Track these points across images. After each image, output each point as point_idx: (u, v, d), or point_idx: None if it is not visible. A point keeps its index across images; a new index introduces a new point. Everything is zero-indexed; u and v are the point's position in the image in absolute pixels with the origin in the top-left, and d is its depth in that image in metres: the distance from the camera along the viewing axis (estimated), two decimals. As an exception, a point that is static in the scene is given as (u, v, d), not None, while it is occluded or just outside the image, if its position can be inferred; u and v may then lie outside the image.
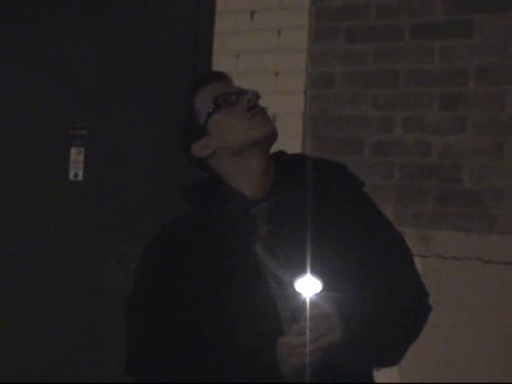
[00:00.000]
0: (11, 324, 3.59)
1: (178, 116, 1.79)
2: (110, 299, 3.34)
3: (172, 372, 1.66)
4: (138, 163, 3.37)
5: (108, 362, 3.31)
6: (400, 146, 2.76)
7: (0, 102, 3.67)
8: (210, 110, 1.70)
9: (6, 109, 3.67)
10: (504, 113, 2.59)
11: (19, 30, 3.61)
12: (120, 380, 2.94)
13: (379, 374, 1.76)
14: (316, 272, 1.57)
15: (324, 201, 1.70)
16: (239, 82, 1.86)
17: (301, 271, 1.60)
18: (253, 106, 1.69)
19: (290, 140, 2.80)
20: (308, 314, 1.51)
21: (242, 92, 1.73)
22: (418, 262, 2.62)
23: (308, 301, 1.52)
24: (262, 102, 1.76)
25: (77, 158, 3.51)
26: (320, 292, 1.53)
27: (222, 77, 1.80)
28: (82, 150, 3.50)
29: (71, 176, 3.51)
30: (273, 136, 1.71)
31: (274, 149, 1.78)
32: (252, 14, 3.08)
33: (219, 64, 3.08)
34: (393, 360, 1.71)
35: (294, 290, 1.58)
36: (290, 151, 1.84)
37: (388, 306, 1.63)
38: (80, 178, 3.50)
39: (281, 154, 1.79)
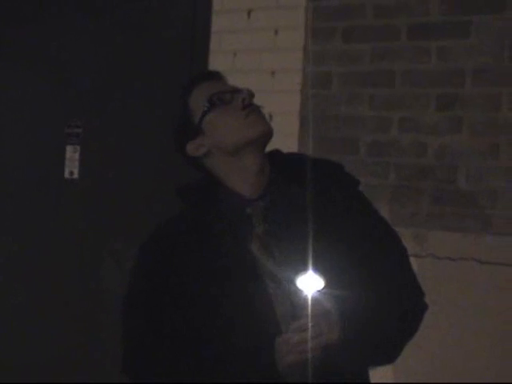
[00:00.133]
0: (6, 322, 3.59)
1: (173, 116, 1.79)
2: (106, 298, 3.34)
3: (169, 372, 1.65)
4: (133, 162, 3.37)
5: (104, 361, 3.31)
6: (396, 146, 2.76)
7: (-4, 99, 3.67)
8: (205, 109, 1.70)
9: (2, 107, 3.66)
10: (500, 113, 2.59)
11: (17, 29, 3.61)
12: (116, 379, 2.95)
13: (374, 374, 1.76)
14: (313, 271, 1.57)
15: (320, 200, 1.69)
16: (236, 81, 1.86)
17: (297, 270, 1.60)
18: (248, 104, 1.69)
19: (286, 139, 2.79)
20: (309, 311, 1.51)
21: (236, 91, 1.73)
22: (412, 262, 2.63)
23: (309, 298, 1.52)
24: (258, 101, 1.75)
25: (72, 156, 3.51)
26: (321, 290, 1.53)
27: (216, 76, 1.79)
28: (78, 148, 3.50)
29: (67, 174, 3.51)
30: (268, 134, 1.71)
31: (269, 148, 1.78)
32: (249, 13, 3.08)
33: (216, 63, 3.08)
34: (388, 358, 1.72)
35: (294, 288, 1.58)
36: (285, 150, 1.83)
37: (385, 304, 1.63)
38: (75, 176, 3.50)
39: (276, 152, 1.79)
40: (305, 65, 2.95)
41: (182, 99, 1.75)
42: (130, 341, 1.72)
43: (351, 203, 1.73)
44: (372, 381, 1.77)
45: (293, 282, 1.60)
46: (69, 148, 3.51)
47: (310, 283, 1.53)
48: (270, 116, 2.56)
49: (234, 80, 1.85)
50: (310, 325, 1.51)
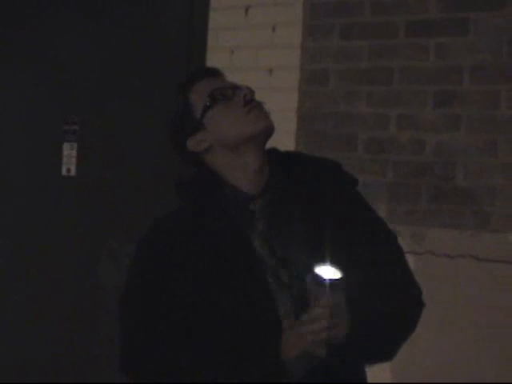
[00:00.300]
0: (4, 319, 3.58)
1: (171, 112, 1.78)
2: (104, 295, 3.33)
3: (169, 370, 1.64)
4: (131, 159, 3.37)
5: (102, 359, 3.31)
6: (394, 144, 2.76)
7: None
8: (208, 104, 1.69)
9: (0, 105, 3.65)
10: (498, 111, 2.59)
11: (14, 28, 3.60)
12: (114, 378, 2.94)
13: (371, 371, 1.76)
14: (312, 267, 1.57)
15: (319, 199, 1.69)
16: (233, 78, 1.85)
17: (298, 267, 1.60)
18: (249, 100, 1.69)
19: (284, 136, 2.79)
20: (323, 301, 1.50)
21: (236, 87, 1.73)
22: (410, 260, 2.63)
23: (324, 288, 1.50)
24: (256, 98, 1.75)
25: (70, 153, 3.50)
26: (334, 280, 1.51)
27: (215, 72, 1.79)
28: (75, 145, 3.49)
29: (64, 171, 3.51)
30: (270, 130, 1.71)
31: (267, 145, 1.77)
32: (246, 10, 3.07)
33: (213, 60, 3.07)
34: (386, 357, 1.72)
35: (297, 285, 1.58)
36: (283, 148, 1.83)
37: (383, 302, 1.63)
38: (73, 173, 3.49)
39: (273, 151, 1.78)
40: (302, 62, 2.95)
41: (181, 95, 1.74)
42: (129, 338, 1.70)
43: (349, 202, 1.73)
44: (370, 379, 1.77)
45: (295, 280, 1.59)
46: (66, 145, 3.51)
47: (326, 273, 1.51)
48: (268, 113, 2.55)
49: (231, 77, 1.85)
50: (324, 313, 1.50)
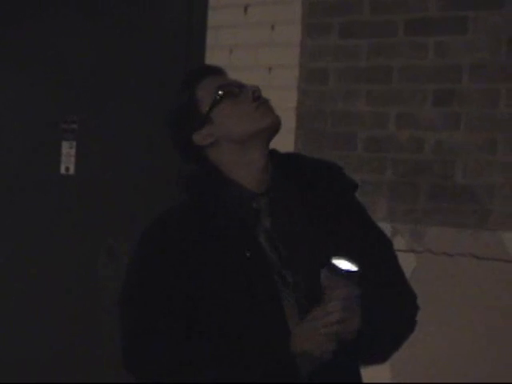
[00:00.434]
0: (2, 317, 3.58)
1: (173, 108, 1.78)
2: (102, 294, 3.33)
3: (173, 367, 1.63)
4: (129, 157, 3.36)
5: (100, 358, 3.31)
6: (393, 142, 2.76)
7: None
8: (218, 98, 1.70)
9: (-1, 103, 3.66)
10: (497, 109, 2.59)
11: (13, 26, 3.60)
12: (114, 376, 2.94)
13: (371, 371, 1.76)
14: (315, 267, 1.57)
15: (319, 201, 1.71)
16: (232, 76, 1.85)
17: (301, 268, 1.62)
18: (258, 96, 1.71)
19: (283, 135, 2.72)
20: (338, 293, 1.51)
21: (242, 85, 1.75)
22: (410, 258, 2.64)
23: (340, 280, 1.51)
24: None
25: (68, 151, 3.50)
26: (351, 273, 1.51)
27: (220, 71, 1.81)
28: (74, 143, 3.49)
29: (63, 170, 3.51)
30: (278, 126, 1.72)
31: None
32: (245, 8, 3.07)
33: (212, 58, 3.07)
34: (381, 358, 1.73)
35: (299, 283, 1.58)
36: (282, 146, 1.83)
37: (379, 305, 1.63)
38: (71, 171, 3.49)
39: (274, 152, 1.79)
40: (301, 60, 2.95)
41: (186, 90, 1.75)
42: (131, 336, 1.68)
43: (347, 206, 1.75)
44: (369, 378, 1.78)
45: (298, 278, 1.60)
46: (65, 144, 3.51)
47: (342, 265, 1.51)
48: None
49: (230, 76, 1.85)
50: (338, 306, 1.51)
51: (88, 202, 3.43)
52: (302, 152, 2.87)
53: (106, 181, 3.41)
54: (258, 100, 1.70)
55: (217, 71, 1.80)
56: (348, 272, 1.51)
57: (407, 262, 2.59)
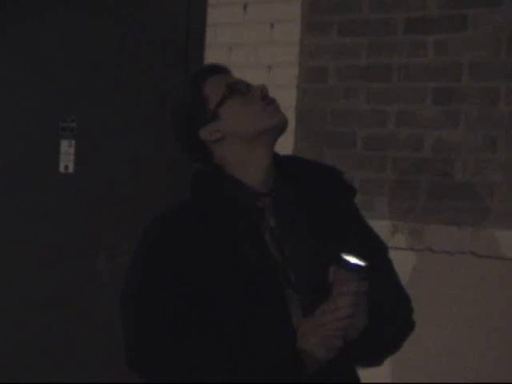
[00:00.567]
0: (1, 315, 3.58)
1: (178, 103, 1.79)
2: (101, 292, 3.33)
3: (178, 364, 1.62)
4: (129, 156, 3.36)
5: (98, 357, 3.31)
6: (393, 140, 2.76)
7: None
8: (226, 95, 1.71)
9: (-3, 101, 3.66)
10: (497, 107, 2.59)
11: (11, 24, 3.60)
12: (113, 374, 2.94)
13: (371, 370, 1.76)
14: (318, 268, 1.57)
15: (320, 204, 1.72)
16: (231, 75, 1.86)
17: (304, 265, 1.62)
18: (266, 95, 1.72)
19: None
20: (348, 288, 1.51)
21: (249, 84, 1.76)
22: (409, 256, 2.64)
23: (350, 274, 1.51)
24: None
25: (67, 150, 3.50)
26: (360, 267, 1.52)
27: (227, 70, 1.82)
28: (73, 142, 3.49)
29: (62, 168, 3.51)
30: (285, 125, 1.74)
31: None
32: (245, 6, 3.07)
33: (211, 57, 3.07)
34: (377, 361, 1.74)
35: (302, 282, 1.58)
36: (281, 145, 1.84)
37: (375, 310, 1.63)
38: (70, 170, 3.49)
39: (276, 154, 1.79)
40: (301, 59, 2.95)
41: (193, 87, 1.75)
42: (134, 333, 1.67)
43: (347, 211, 1.76)
44: (368, 378, 1.78)
45: (300, 278, 1.60)
46: (64, 142, 3.51)
47: (351, 260, 1.52)
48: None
49: (230, 74, 1.85)
50: (348, 300, 1.51)
51: (87, 201, 3.43)
52: (301, 150, 2.87)
53: (105, 179, 3.41)
54: (266, 99, 1.71)
55: (224, 70, 1.81)
56: (357, 266, 1.51)
57: (407, 260, 2.59)
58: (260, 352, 1.57)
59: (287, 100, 2.92)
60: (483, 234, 2.56)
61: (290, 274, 1.65)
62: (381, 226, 1.88)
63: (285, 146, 1.83)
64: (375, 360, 1.74)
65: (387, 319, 1.66)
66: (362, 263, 1.52)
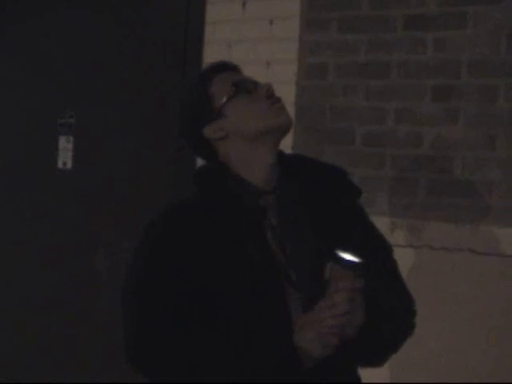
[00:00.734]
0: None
1: (185, 100, 1.79)
2: (99, 289, 3.33)
3: (177, 360, 1.62)
4: (127, 152, 3.36)
5: (97, 356, 3.31)
6: (392, 137, 2.76)
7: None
8: (232, 93, 1.71)
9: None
10: (496, 105, 2.59)
11: (10, 20, 3.59)
12: (112, 372, 2.94)
13: (370, 370, 1.76)
14: (319, 267, 1.57)
15: (324, 204, 1.71)
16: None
17: (305, 264, 1.63)
18: (272, 94, 1.72)
19: (282, 130, 2.78)
20: (343, 285, 1.51)
21: (257, 82, 1.76)
22: (408, 253, 2.64)
23: (345, 271, 1.51)
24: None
25: (66, 146, 3.50)
26: (355, 263, 1.51)
27: (235, 67, 1.83)
28: (71, 138, 3.49)
29: (60, 164, 3.50)
30: (289, 125, 1.74)
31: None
32: (244, 3, 3.07)
33: (211, 53, 3.07)
34: (376, 362, 1.74)
35: (303, 281, 1.58)
36: (280, 142, 1.84)
37: (377, 310, 1.62)
38: (69, 166, 3.49)
39: (282, 153, 1.79)
40: (300, 55, 2.95)
41: (200, 84, 1.76)
42: (135, 328, 1.67)
43: (351, 211, 1.76)
44: (368, 377, 1.78)
45: (302, 277, 1.60)
46: (62, 138, 3.50)
47: (347, 256, 1.52)
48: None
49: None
50: (343, 297, 1.50)
51: (85, 197, 3.43)
52: (300, 146, 2.88)
53: (103, 176, 3.41)
54: (272, 98, 1.71)
55: (233, 68, 1.81)
56: (353, 263, 1.51)
57: (406, 257, 2.59)
58: (256, 349, 1.57)
59: (286, 96, 2.87)
60: (482, 231, 2.57)
61: (291, 273, 1.64)
62: (380, 223, 1.88)
63: (284, 142, 1.82)
64: (376, 360, 1.73)
65: (387, 319, 1.66)
66: (357, 260, 1.52)
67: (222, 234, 1.65)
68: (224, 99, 1.72)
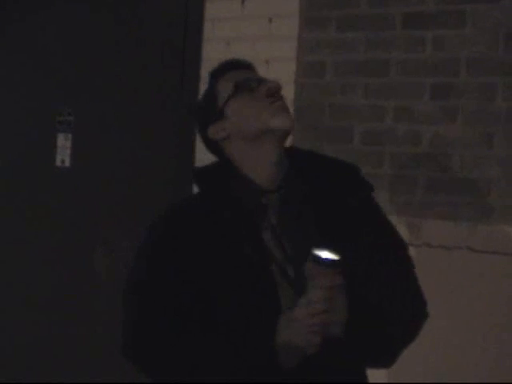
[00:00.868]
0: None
1: (197, 100, 1.80)
2: (98, 287, 3.33)
3: (175, 357, 1.63)
4: (125, 150, 3.36)
5: (96, 355, 3.31)
6: (390, 135, 2.76)
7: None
8: (230, 93, 1.70)
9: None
10: (495, 103, 2.60)
11: (7, 17, 3.58)
12: (111, 370, 2.94)
13: (370, 370, 1.76)
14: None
15: (333, 201, 1.69)
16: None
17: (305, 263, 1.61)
18: (272, 93, 1.68)
19: (280, 128, 2.78)
20: (320, 282, 1.49)
21: (263, 80, 1.73)
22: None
23: (322, 269, 1.48)
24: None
25: (64, 144, 3.50)
26: (332, 261, 1.49)
27: (247, 65, 1.79)
28: (69, 136, 3.49)
29: (58, 162, 3.50)
30: (288, 126, 1.69)
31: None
32: (243, 1, 3.07)
33: (210, 51, 3.07)
34: (384, 362, 1.72)
35: (302, 278, 1.56)
36: (285, 140, 1.83)
37: (387, 308, 1.62)
38: (67, 164, 3.49)
39: (294, 149, 1.79)
40: (299, 54, 2.95)
41: (210, 83, 1.75)
42: (135, 325, 1.68)
43: (363, 208, 1.73)
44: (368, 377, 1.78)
45: (300, 275, 1.57)
46: (60, 136, 3.50)
47: (323, 254, 1.49)
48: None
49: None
50: (320, 295, 1.48)
51: (83, 195, 3.43)
52: (298, 145, 2.87)
53: (101, 173, 3.41)
54: (273, 97, 1.68)
55: (243, 65, 1.78)
56: (329, 261, 1.48)
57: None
58: (239, 349, 1.56)
59: (285, 94, 2.90)
60: (480, 229, 2.57)
61: (289, 272, 1.63)
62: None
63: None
64: (383, 361, 1.71)
65: (395, 318, 1.64)
66: (335, 257, 1.48)
67: (220, 234, 1.65)
68: (225, 99, 1.71)
